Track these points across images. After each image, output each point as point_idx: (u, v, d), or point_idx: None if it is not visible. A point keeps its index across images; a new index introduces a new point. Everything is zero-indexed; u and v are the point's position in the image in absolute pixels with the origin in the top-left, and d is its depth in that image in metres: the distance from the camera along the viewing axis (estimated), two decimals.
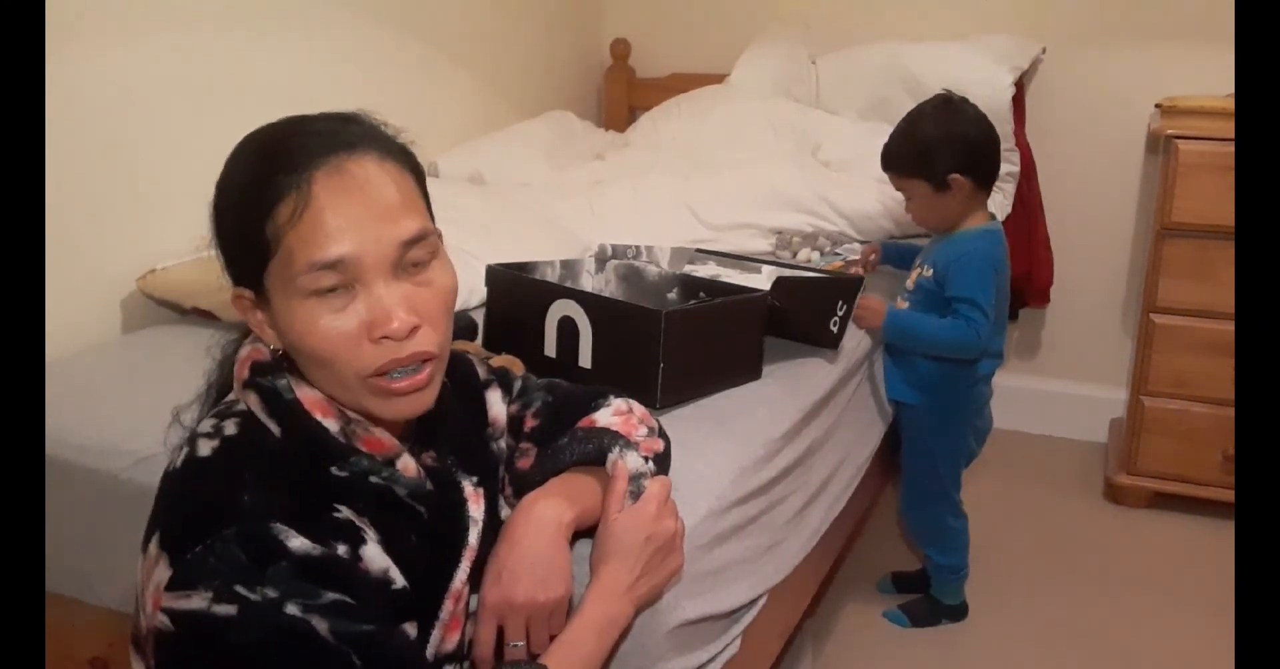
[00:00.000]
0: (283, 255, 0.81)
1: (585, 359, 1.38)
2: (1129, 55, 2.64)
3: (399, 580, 0.86)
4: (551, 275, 1.61)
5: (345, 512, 0.85)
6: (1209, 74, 2.48)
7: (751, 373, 1.49)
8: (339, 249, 0.80)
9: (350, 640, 0.77)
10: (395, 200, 0.84)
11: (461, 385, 1.04)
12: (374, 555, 0.84)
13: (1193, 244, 2.31)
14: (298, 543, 0.79)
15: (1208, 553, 2.31)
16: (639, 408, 1.11)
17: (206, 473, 0.84)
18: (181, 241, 1.76)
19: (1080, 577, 2.23)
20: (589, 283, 1.68)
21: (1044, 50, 2.66)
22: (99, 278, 1.72)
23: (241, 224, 0.83)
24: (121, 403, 1.39)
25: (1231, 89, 2.36)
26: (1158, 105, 2.45)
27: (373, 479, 0.88)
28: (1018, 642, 2.02)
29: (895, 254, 2.10)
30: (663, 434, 1.11)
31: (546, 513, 0.96)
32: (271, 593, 0.76)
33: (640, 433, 1.06)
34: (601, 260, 1.71)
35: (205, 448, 0.85)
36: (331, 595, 0.78)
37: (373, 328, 0.82)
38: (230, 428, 0.86)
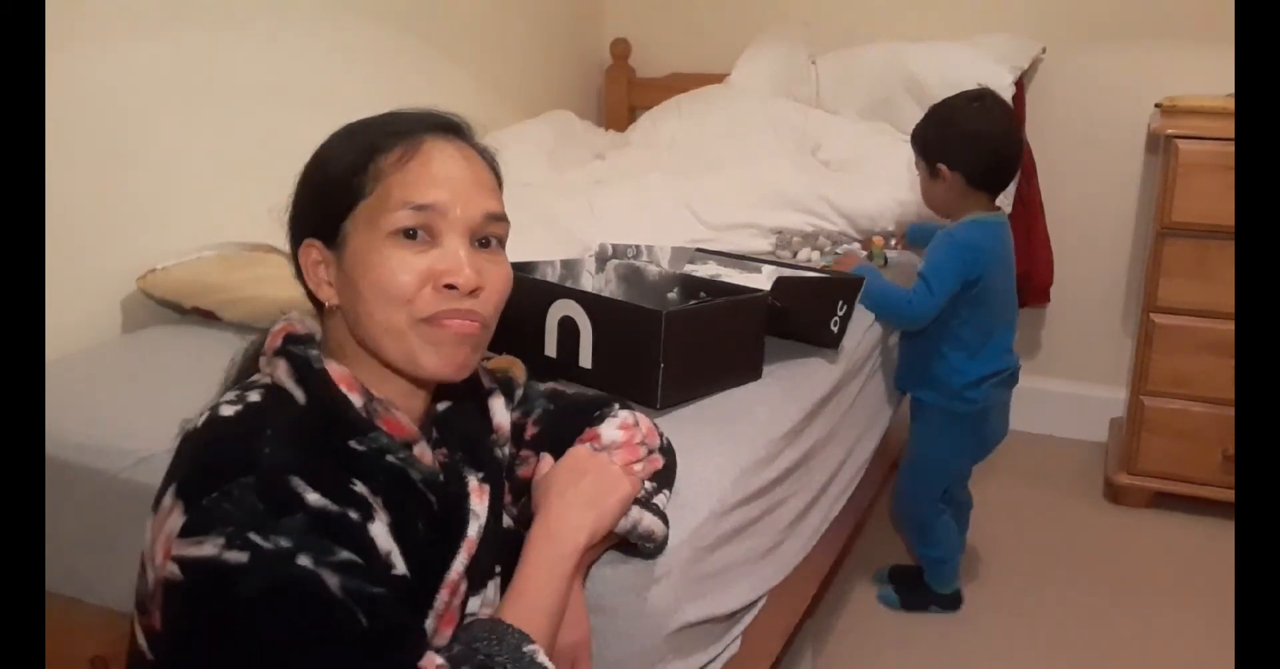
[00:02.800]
0: (379, 194, 0.88)
1: (585, 359, 1.38)
2: (1129, 55, 2.64)
3: (400, 566, 0.85)
4: (552, 275, 1.61)
5: (360, 487, 0.85)
6: (1209, 74, 2.48)
7: (751, 373, 1.49)
8: (435, 194, 0.88)
9: (359, 599, 0.77)
10: (489, 181, 0.93)
11: (468, 391, 1.05)
12: (380, 534, 0.84)
13: (1193, 244, 2.31)
14: (315, 497, 0.79)
15: (1208, 553, 2.31)
16: (645, 422, 1.10)
17: (228, 428, 0.85)
18: (181, 241, 1.76)
19: (1080, 576, 2.23)
20: (589, 283, 1.68)
21: (1044, 50, 2.66)
22: (99, 278, 1.71)
23: (341, 169, 0.89)
24: (121, 403, 1.39)
25: (1231, 89, 2.36)
26: (1158, 105, 2.45)
27: (389, 458, 0.89)
28: (1017, 641, 2.02)
29: (920, 235, 2.12)
30: (667, 450, 1.11)
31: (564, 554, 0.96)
32: (285, 543, 0.76)
33: (640, 455, 1.06)
34: (602, 260, 1.71)
35: (228, 410, 0.86)
36: (345, 554, 0.79)
37: (443, 275, 0.87)
38: (254, 396, 0.87)
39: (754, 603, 1.30)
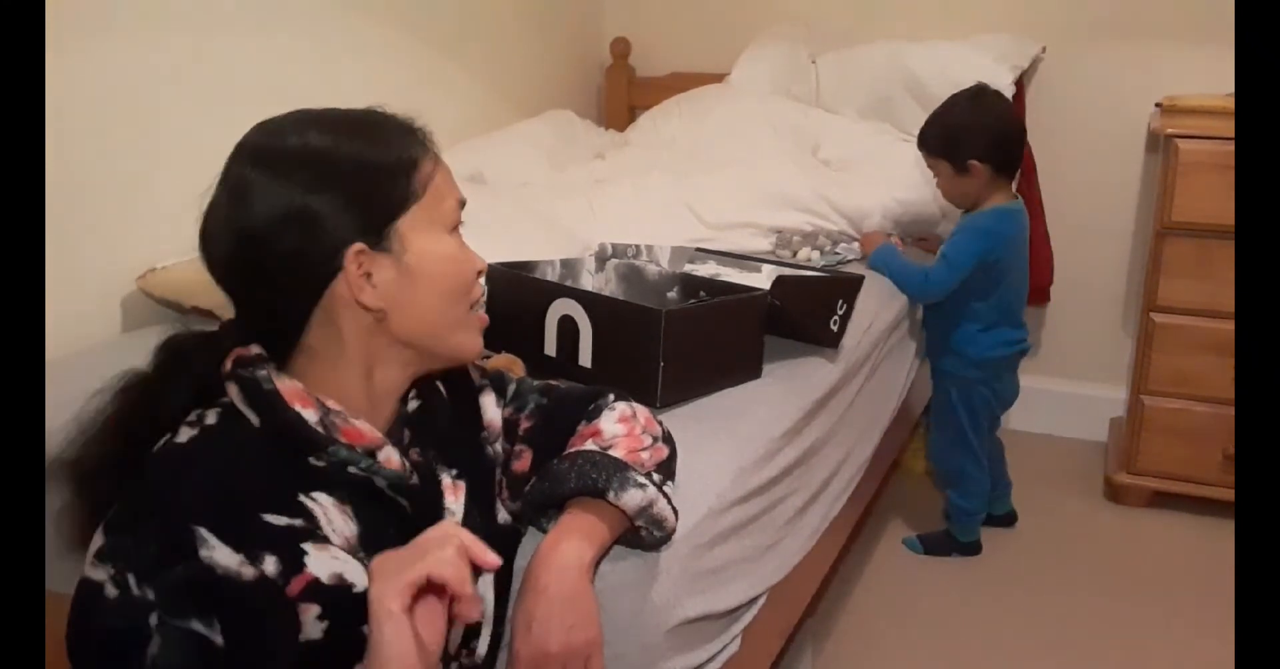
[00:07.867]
0: (431, 196, 0.93)
1: (585, 358, 1.38)
2: (1129, 55, 2.64)
3: (360, 584, 0.85)
4: (551, 275, 1.61)
5: (323, 499, 0.86)
6: (1209, 74, 2.48)
7: (751, 372, 1.49)
8: (460, 191, 0.98)
9: None
10: None
11: (456, 388, 1.05)
12: (321, 562, 0.84)
13: (1193, 243, 2.31)
14: (209, 553, 0.79)
15: (1208, 553, 2.31)
16: (643, 411, 1.10)
17: (167, 461, 0.86)
18: (182, 241, 1.75)
19: (1080, 576, 2.23)
20: (589, 282, 1.68)
21: (1044, 50, 2.66)
22: (99, 278, 1.71)
23: (381, 177, 0.91)
24: None
25: (1231, 88, 2.36)
26: (1158, 104, 2.45)
27: (351, 470, 0.89)
28: (1017, 641, 2.02)
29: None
30: (667, 439, 1.11)
31: (568, 557, 0.95)
32: (151, 596, 0.78)
33: (645, 443, 1.06)
34: (602, 259, 1.71)
35: (184, 435, 0.87)
36: (195, 625, 0.78)
37: (478, 263, 0.98)
38: (211, 418, 0.88)
39: (754, 601, 1.30)
